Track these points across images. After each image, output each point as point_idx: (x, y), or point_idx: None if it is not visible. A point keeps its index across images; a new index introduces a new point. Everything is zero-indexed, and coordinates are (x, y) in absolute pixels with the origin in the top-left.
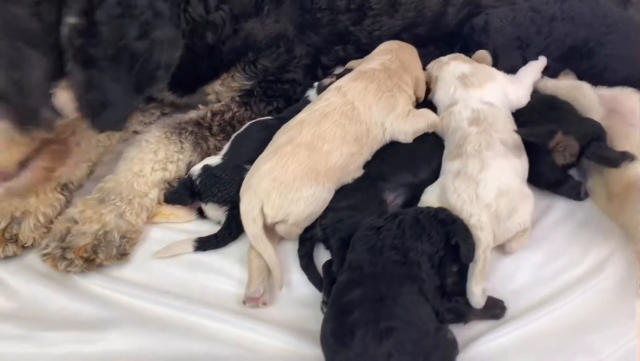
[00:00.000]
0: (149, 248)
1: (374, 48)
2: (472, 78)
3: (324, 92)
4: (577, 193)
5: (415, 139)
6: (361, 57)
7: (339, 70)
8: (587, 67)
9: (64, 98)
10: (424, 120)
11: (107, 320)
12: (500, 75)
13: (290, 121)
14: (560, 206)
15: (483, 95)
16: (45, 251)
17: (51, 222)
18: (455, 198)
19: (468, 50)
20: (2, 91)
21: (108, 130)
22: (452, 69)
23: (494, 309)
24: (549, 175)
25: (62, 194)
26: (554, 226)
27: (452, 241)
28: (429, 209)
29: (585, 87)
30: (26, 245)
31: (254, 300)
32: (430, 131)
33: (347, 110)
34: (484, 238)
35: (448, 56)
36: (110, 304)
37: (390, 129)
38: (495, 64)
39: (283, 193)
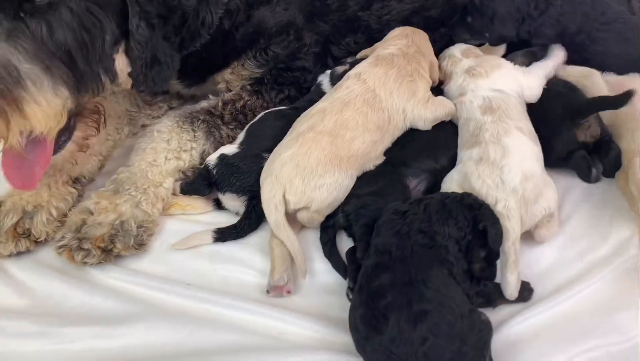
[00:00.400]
0: (167, 240)
1: (384, 35)
2: (479, 68)
3: (343, 79)
4: (587, 165)
5: (433, 127)
6: (370, 46)
7: (350, 59)
8: (574, 60)
9: (121, 62)
10: (442, 107)
11: (128, 313)
12: (508, 64)
13: (310, 109)
14: (578, 189)
15: (491, 83)
16: (62, 243)
17: (64, 216)
18: (480, 184)
19: (469, 16)
20: (71, 53)
21: (156, 89)
22: (463, 64)
23: (522, 292)
24: (561, 149)
25: (74, 187)
26: (574, 208)
27: (479, 226)
28: (455, 194)
29: (594, 74)
30: (39, 240)
31: (278, 289)
32: (448, 119)
33: (368, 97)
34: (512, 228)
35: (460, 50)
36: (131, 298)
37: (411, 115)
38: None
39: (306, 179)
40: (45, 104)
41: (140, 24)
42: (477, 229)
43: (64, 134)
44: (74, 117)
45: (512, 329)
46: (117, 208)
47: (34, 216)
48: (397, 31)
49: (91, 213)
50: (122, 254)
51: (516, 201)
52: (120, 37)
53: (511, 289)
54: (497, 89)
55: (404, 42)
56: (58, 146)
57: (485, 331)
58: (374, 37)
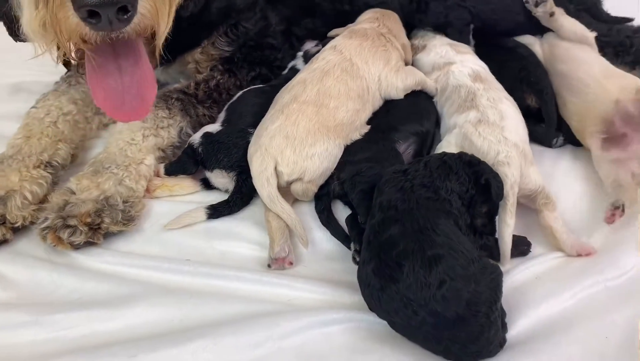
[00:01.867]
0: (158, 221)
1: (340, 20)
2: (460, 47)
3: (319, 53)
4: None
5: (408, 96)
6: (328, 30)
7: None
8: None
9: None
10: (413, 76)
11: (126, 295)
12: None
13: (290, 81)
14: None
15: (474, 59)
16: (45, 225)
17: (41, 202)
18: (481, 141)
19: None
20: None
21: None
22: (439, 38)
23: (521, 245)
24: None
25: (46, 171)
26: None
27: (482, 180)
28: (452, 152)
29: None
30: (16, 225)
31: (279, 261)
32: (419, 88)
33: (346, 66)
34: (511, 173)
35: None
36: (127, 280)
37: (385, 83)
38: None
39: (297, 149)
40: None
41: None
42: (479, 184)
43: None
44: None
45: (515, 277)
46: (100, 186)
47: (7, 201)
48: (369, 14)
49: (73, 193)
50: (111, 230)
51: (517, 153)
52: None
53: (509, 233)
54: (480, 65)
55: (375, 24)
56: None
57: (497, 273)
58: (332, 21)
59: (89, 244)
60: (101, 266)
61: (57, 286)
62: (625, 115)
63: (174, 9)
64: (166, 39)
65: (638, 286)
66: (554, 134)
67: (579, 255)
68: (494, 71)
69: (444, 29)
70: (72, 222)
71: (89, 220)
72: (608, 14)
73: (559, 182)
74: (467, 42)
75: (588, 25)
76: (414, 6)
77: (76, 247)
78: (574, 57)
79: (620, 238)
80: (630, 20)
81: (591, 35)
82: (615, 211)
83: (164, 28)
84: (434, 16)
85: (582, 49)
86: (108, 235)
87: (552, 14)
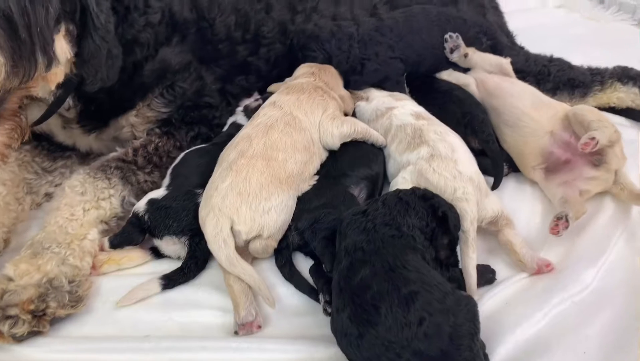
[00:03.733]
0: (109, 299)
1: (273, 75)
2: (398, 95)
3: (259, 109)
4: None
5: (353, 142)
6: (264, 86)
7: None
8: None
9: (60, 47)
10: (349, 125)
11: None
12: None
13: (234, 138)
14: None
15: (411, 104)
16: None
17: None
18: (437, 178)
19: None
20: (11, 16)
21: (109, 83)
22: (378, 91)
23: (487, 274)
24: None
25: None
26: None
27: (439, 212)
28: (405, 189)
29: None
30: None
31: (247, 326)
32: (360, 138)
33: (289, 120)
34: (470, 209)
35: None
36: None
37: (321, 130)
38: None
39: (253, 205)
40: None
41: (100, 11)
42: (437, 217)
43: None
44: None
45: (486, 305)
46: (41, 268)
47: None
48: (304, 68)
49: (11, 280)
50: (58, 314)
51: (473, 188)
52: (62, 17)
53: (473, 266)
54: (419, 108)
55: (312, 78)
56: None
57: (472, 304)
58: (264, 76)
59: (34, 334)
60: (51, 357)
61: None
62: (563, 143)
63: None
64: (97, 102)
65: (600, 297)
66: (502, 178)
67: (539, 269)
68: (434, 115)
69: (382, 83)
70: (13, 312)
71: (32, 307)
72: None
73: (507, 206)
74: (403, 91)
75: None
76: (348, 67)
77: (19, 339)
78: (504, 91)
79: (575, 253)
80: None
81: (505, 61)
82: (559, 221)
83: None
84: (370, 76)
85: (511, 82)
86: (55, 321)
87: (465, 55)
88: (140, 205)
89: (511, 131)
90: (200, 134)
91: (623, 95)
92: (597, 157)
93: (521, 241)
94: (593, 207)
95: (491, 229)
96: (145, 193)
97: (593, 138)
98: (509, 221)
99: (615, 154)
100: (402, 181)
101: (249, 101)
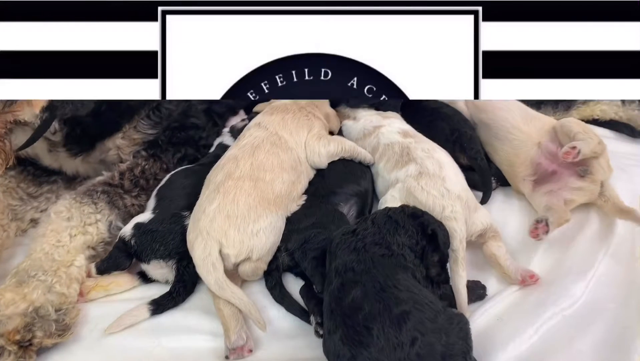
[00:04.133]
0: (97, 326)
1: None
2: (386, 114)
3: (244, 130)
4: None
5: (341, 160)
6: (250, 104)
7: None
8: None
9: None
10: (336, 143)
11: None
12: None
13: (220, 159)
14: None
15: (399, 122)
16: None
17: None
18: (425, 196)
19: None
20: None
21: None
22: (365, 110)
23: (477, 290)
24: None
25: None
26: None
27: (428, 230)
28: (394, 207)
29: None
30: None
31: (238, 350)
32: (347, 156)
33: (274, 140)
34: (459, 228)
35: None
36: None
37: (308, 150)
38: None
39: (241, 228)
40: None
41: None
42: (427, 235)
43: None
44: None
45: (477, 321)
46: (27, 297)
47: None
48: None
49: None
50: (45, 344)
51: (461, 206)
52: None
53: (463, 284)
54: (407, 126)
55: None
56: None
57: (464, 322)
58: None
59: None
60: None
61: None
62: (549, 154)
63: None
64: (83, 125)
65: (590, 311)
66: (490, 194)
67: (523, 280)
68: (422, 132)
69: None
70: None
71: (17, 337)
72: None
73: (495, 220)
74: (397, 110)
75: None
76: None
77: None
78: (493, 105)
79: (564, 266)
80: None
81: None
82: (538, 225)
83: None
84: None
85: None
86: (42, 350)
87: None
88: (127, 229)
89: (501, 144)
90: (187, 156)
91: (606, 107)
92: (582, 167)
93: (505, 253)
94: (580, 220)
95: (479, 242)
96: (133, 216)
97: (574, 147)
98: (497, 233)
99: (601, 166)
100: (391, 199)
101: (235, 121)
